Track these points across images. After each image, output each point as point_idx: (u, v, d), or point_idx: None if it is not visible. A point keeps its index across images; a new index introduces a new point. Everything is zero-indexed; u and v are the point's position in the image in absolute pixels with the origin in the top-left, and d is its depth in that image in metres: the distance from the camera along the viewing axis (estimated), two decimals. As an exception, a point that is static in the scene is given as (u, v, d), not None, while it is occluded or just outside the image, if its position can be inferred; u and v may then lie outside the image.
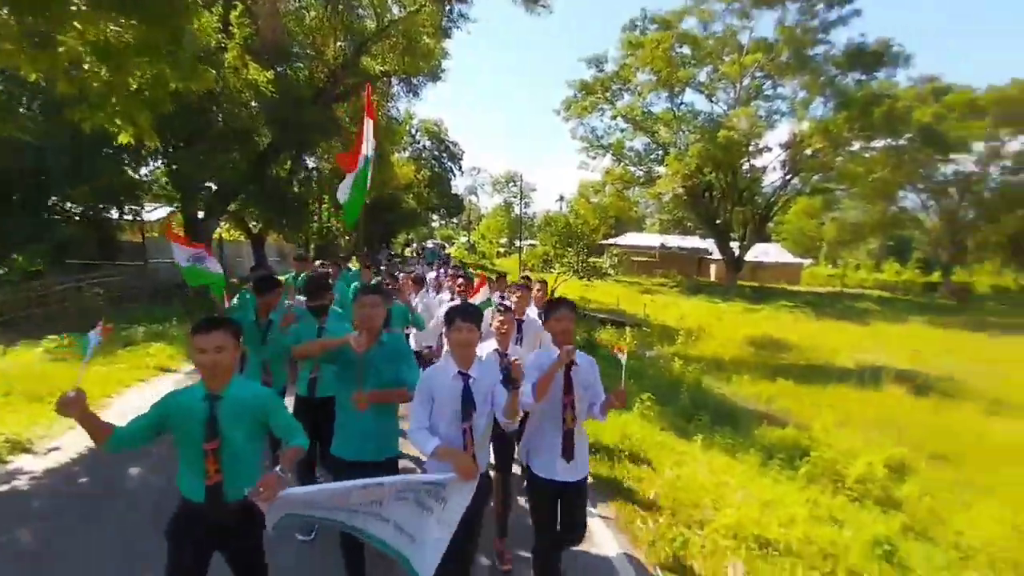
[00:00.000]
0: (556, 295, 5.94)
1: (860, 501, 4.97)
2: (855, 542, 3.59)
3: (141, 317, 10.55)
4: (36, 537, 3.28)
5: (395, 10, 16.39)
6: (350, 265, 13.59)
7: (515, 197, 59.35)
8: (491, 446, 2.85)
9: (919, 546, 4.06)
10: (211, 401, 1.97)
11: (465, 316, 2.33)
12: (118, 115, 5.56)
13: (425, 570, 2.15)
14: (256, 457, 2.10)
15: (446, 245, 51.35)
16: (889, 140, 28.06)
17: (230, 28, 12.60)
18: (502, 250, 56.44)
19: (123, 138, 6.12)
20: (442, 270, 10.56)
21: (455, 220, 67.41)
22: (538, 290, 4.79)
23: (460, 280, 5.61)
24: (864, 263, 54.77)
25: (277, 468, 1.92)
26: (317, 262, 9.84)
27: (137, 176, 15.26)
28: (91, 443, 1.74)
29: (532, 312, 4.14)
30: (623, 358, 2.68)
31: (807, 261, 45.59)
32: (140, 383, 6.60)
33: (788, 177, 30.39)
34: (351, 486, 2.07)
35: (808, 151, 27.29)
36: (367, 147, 3.40)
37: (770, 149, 29.39)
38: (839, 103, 26.05)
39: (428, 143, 37.33)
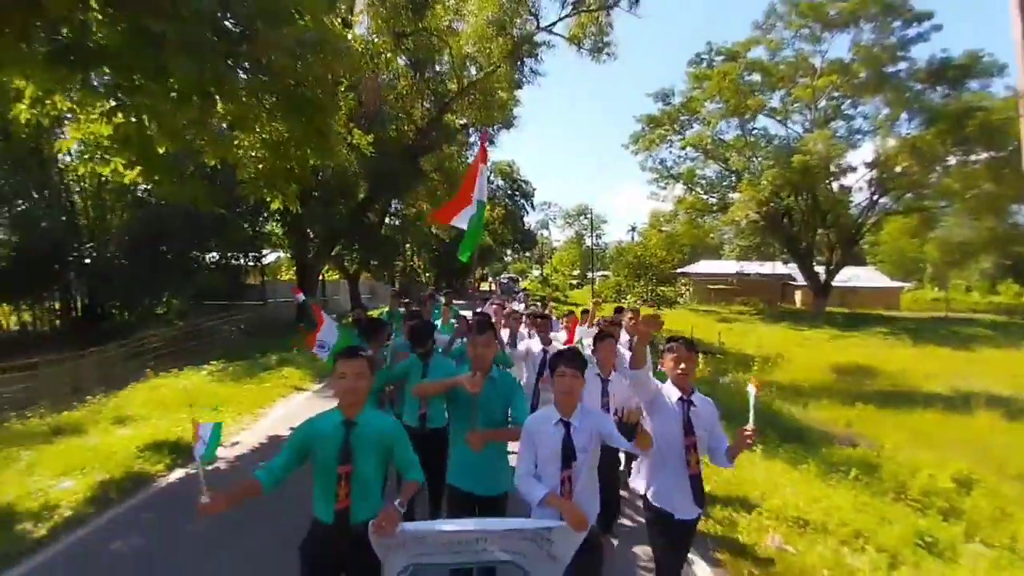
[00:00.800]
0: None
1: (923, 511, 5.28)
2: (895, 531, 4.10)
3: (269, 347, 12.56)
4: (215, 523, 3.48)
5: (473, 71, 18.39)
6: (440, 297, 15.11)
7: (586, 229, 60.24)
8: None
9: (970, 546, 4.42)
10: (347, 427, 2.09)
11: (569, 362, 2.33)
12: (275, 188, 7.28)
13: None
14: (379, 485, 2.19)
15: (519, 279, 53.01)
16: (991, 153, 26.23)
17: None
18: (574, 282, 57.21)
19: (275, 205, 7.91)
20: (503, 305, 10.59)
21: (528, 254, 69.23)
22: (630, 319, 4.91)
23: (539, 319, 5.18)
24: (977, 285, 49.83)
25: (396, 502, 2.05)
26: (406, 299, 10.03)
27: (259, 230, 18.02)
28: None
29: (622, 361, 3.76)
30: (754, 394, 2.55)
31: (907, 284, 42.37)
32: (282, 398, 8.22)
33: (875, 197, 29.07)
34: (459, 526, 2.16)
35: (897, 168, 26.13)
36: (481, 191, 3.45)
37: (854, 169, 28.39)
38: (926, 119, 24.92)
39: (501, 183, 39.47)
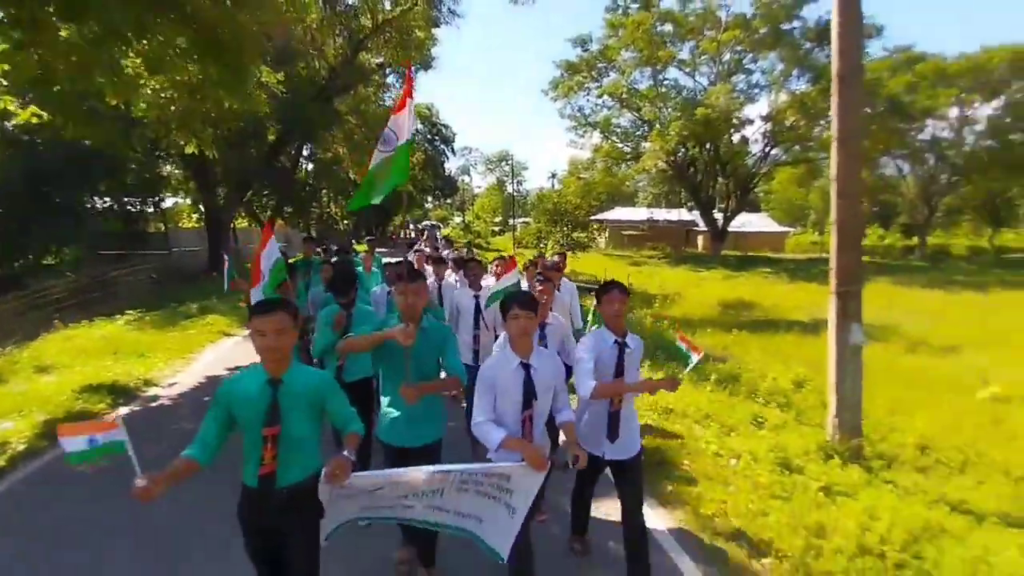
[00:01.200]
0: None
1: (765, 404, 6.80)
2: (737, 415, 5.44)
3: (184, 296, 12.28)
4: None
5: (387, 5, 17.74)
6: (356, 247, 15.24)
7: (507, 176, 60.52)
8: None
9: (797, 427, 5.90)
10: (272, 386, 1.95)
11: (523, 304, 2.34)
12: (191, 132, 7.19)
13: (503, 549, 2.24)
14: (315, 444, 2.06)
15: (441, 226, 52.78)
16: (866, 110, 29.68)
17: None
18: (496, 228, 57.90)
19: (189, 148, 7.76)
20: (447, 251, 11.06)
21: (449, 200, 68.61)
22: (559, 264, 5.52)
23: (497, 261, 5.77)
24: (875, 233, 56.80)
25: (344, 452, 1.97)
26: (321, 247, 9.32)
27: (158, 172, 16.78)
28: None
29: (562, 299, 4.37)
30: (696, 358, 2.86)
31: (792, 230, 47.35)
32: (211, 344, 8.39)
33: (768, 149, 31.96)
34: (416, 473, 2.10)
35: (787, 122, 28.81)
36: (407, 130, 2.92)
37: (752, 122, 30.88)
38: (813, 76, 27.48)
39: (420, 126, 38.48)
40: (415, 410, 2.51)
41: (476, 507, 2.20)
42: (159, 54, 5.41)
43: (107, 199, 16.58)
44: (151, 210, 18.10)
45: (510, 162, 58.31)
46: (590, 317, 4.20)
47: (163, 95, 6.48)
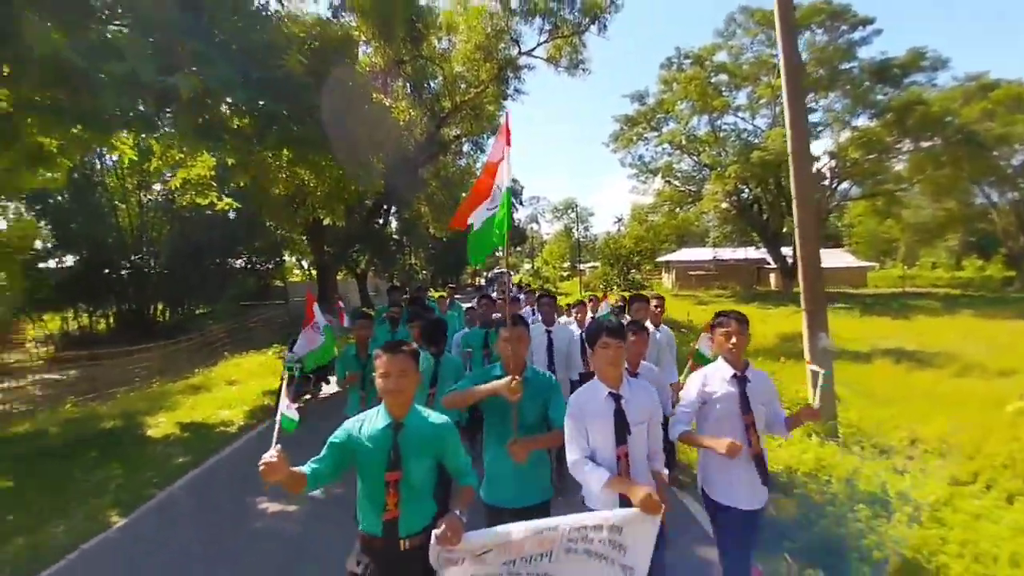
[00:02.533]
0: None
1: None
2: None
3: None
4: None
5: (462, 86, 21.00)
6: (430, 293, 17.78)
7: (573, 223, 62.94)
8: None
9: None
10: (394, 429, 1.94)
11: (612, 332, 2.22)
12: (330, 209, 9.93)
13: None
14: (431, 492, 2.03)
15: (512, 272, 55.74)
16: (937, 140, 29.37)
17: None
18: (565, 273, 59.97)
19: (327, 220, 10.54)
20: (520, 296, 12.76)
21: (518, 248, 71.89)
22: (656, 307, 4.70)
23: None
24: (943, 262, 53.26)
25: (456, 511, 1.88)
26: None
27: (287, 235, 20.57)
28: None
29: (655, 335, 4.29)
30: (821, 375, 2.67)
31: (874, 264, 45.57)
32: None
33: (835, 184, 32.07)
34: (522, 530, 1.93)
35: (852, 158, 29.14)
36: (504, 177, 2.75)
37: (818, 159, 31.35)
38: (874, 113, 27.91)
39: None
40: (522, 468, 2.39)
41: (588, 572, 1.97)
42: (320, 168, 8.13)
43: (242, 259, 20.48)
44: (273, 267, 21.92)
45: (575, 209, 60.83)
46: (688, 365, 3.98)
47: (320, 189, 9.30)
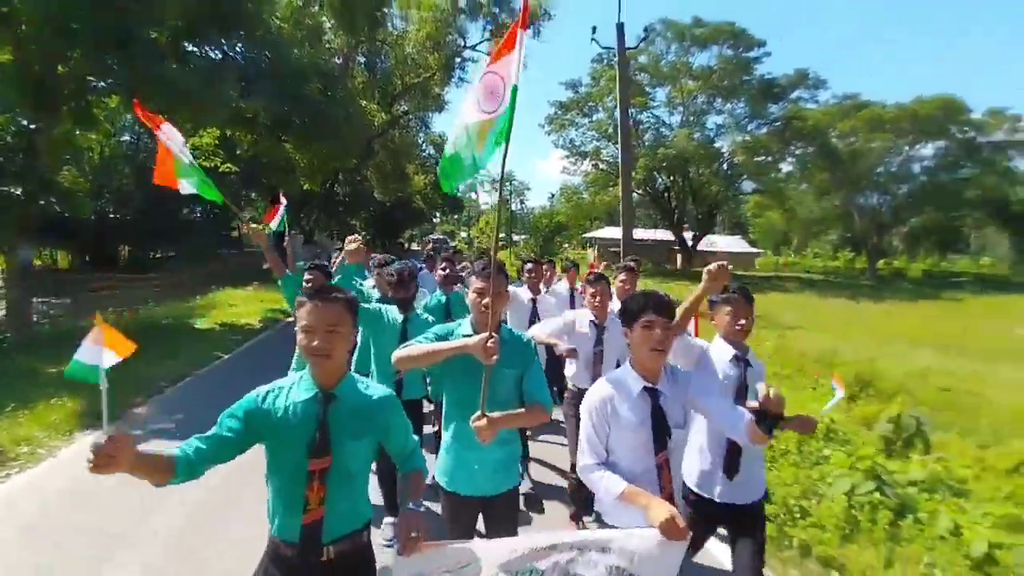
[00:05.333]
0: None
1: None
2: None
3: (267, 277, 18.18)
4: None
5: (413, 70, 23.93)
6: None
7: (510, 195, 66.62)
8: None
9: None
10: (322, 402, 1.50)
11: (660, 307, 1.76)
12: (311, 178, 13.10)
13: None
14: (365, 484, 1.63)
15: (448, 240, 58.76)
16: (812, 148, 35.72)
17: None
18: (502, 245, 63.88)
19: (307, 187, 13.63)
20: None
21: (456, 216, 74.78)
22: (623, 281, 3.96)
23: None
24: (824, 253, 62.31)
25: (410, 504, 1.55)
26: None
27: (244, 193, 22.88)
28: None
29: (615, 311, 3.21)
30: (840, 393, 2.38)
31: (762, 252, 52.92)
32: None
33: (729, 181, 37.90)
34: (512, 545, 1.59)
35: (739, 160, 34.79)
36: (515, 74, 1.83)
37: (722, 155, 36.84)
38: (762, 123, 33.56)
39: (432, 151, 44.77)
40: (490, 449, 1.97)
41: None
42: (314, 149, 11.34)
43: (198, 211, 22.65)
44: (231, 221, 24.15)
45: (512, 182, 64.46)
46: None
47: (304, 162, 12.40)
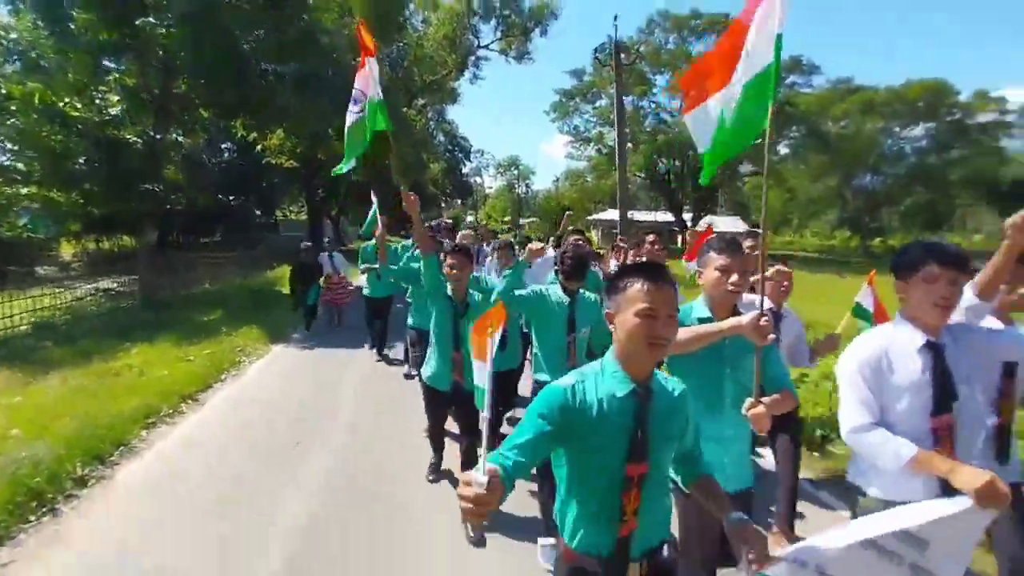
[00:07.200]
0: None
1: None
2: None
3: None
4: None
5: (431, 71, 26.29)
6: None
7: (516, 179, 68.86)
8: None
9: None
10: (639, 397, 1.35)
11: (946, 259, 1.66)
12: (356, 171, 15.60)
13: None
14: (668, 489, 1.49)
15: (454, 223, 60.98)
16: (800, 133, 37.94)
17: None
18: (506, 227, 66.27)
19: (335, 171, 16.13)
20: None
21: (462, 202, 77.09)
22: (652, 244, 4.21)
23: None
24: (822, 233, 64.48)
25: (737, 515, 1.39)
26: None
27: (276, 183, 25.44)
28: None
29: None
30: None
31: (757, 231, 55.09)
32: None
33: (727, 163, 40.15)
34: (857, 537, 1.38)
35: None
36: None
37: (717, 141, 38.89)
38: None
39: (442, 138, 47.03)
40: (732, 443, 1.92)
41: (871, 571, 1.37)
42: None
43: (236, 199, 25.28)
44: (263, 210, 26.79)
45: (518, 166, 66.69)
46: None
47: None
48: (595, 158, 43.48)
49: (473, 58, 25.20)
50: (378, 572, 2.93)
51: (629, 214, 48.30)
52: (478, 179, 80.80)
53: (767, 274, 2.38)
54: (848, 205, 54.01)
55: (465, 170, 58.62)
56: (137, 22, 9.23)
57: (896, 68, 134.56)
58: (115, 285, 12.41)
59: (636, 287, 1.34)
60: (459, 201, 78.73)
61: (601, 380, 1.39)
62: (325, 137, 13.89)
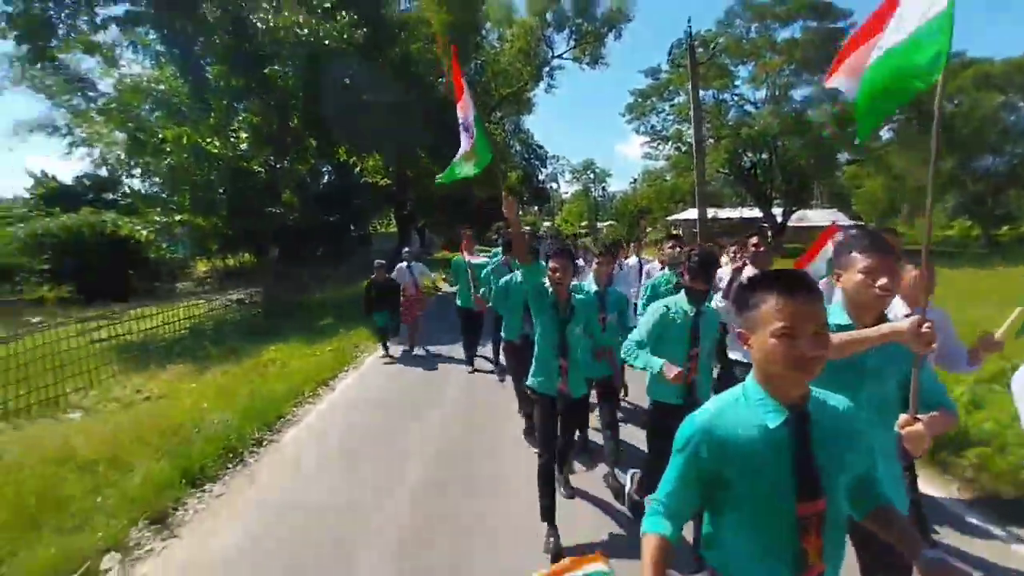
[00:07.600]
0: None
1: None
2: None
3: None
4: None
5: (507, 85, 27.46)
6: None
7: (592, 183, 68.87)
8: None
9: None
10: (797, 424, 1.21)
11: None
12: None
13: None
14: (844, 527, 1.29)
15: (534, 229, 62.30)
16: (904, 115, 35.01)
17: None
18: (583, 231, 66.42)
19: (438, 181, 17.51)
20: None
21: (539, 208, 78.20)
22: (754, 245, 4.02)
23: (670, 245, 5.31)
24: (938, 221, 58.48)
25: (929, 553, 1.20)
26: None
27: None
28: None
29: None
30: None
31: (864, 223, 51.21)
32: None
33: (821, 152, 37.92)
34: None
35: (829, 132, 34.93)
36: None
37: (811, 127, 36.98)
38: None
39: (519, 147, 48.35)
40: (895, 462, 1.74)
41: None
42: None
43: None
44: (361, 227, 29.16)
45: (593, 169, 66.69)
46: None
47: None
48: (674, 156, 42.70)
49: (547, 68, 25.99)
50: (486, 516, 3.69)
51: (712, 212, 47.26)
52: (553, 184, 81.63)
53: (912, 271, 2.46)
54: (967, 190, 48.85)
55: (541, 177, 59.76)
56: (265, 71, 10.90)
57: (1010, 37, 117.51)
58: (244, 296, 14.48)
59: (770, 303, 1.19)
60: (536, 208, 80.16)
61: (745, 409, 1.25)
62: (414, 155, 15.24)
